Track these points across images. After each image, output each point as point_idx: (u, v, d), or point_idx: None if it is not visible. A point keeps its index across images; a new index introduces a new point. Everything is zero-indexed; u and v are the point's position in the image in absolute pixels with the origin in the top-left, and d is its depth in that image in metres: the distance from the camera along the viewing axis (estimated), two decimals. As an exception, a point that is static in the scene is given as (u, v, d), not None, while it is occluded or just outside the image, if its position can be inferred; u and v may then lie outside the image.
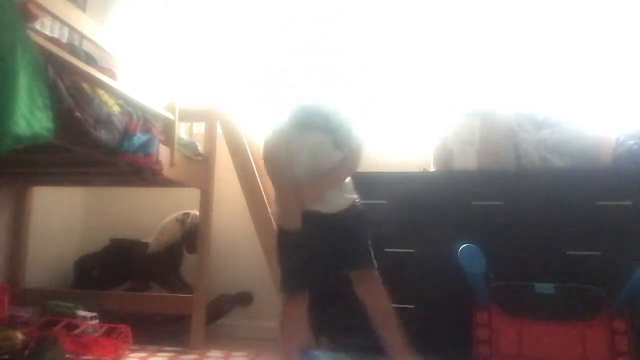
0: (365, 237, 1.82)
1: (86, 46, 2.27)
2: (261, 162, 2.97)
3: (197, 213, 2.84)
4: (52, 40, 1.81)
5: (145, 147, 2.10)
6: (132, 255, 2.98)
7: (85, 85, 1.79)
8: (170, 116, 2.43)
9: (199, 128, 3.07)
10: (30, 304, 2.50)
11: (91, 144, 1.83)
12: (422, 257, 2.34)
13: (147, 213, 3.20)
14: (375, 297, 1.80)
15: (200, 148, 2.80)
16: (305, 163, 1.72)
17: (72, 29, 1.95)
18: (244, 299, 2.94)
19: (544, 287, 2.14)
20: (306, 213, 1.69)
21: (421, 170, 2.64)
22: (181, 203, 3.05)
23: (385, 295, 1.80)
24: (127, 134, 2.00)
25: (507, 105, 2.64)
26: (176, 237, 2.93)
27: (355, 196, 1.83)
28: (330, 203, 1.74)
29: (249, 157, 2.86)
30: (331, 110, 1.77)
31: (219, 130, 2.93)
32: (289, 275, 1.75)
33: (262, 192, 2.79)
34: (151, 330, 2.68)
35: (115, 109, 1.96)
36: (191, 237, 2.87)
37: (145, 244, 2.97)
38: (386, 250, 2.37)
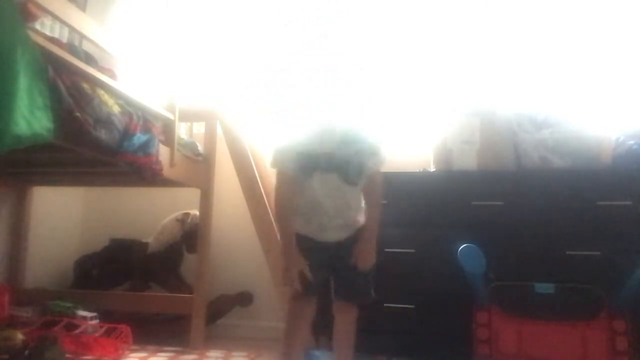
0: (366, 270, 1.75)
1: (86, 46, 2.27)
2: (261, 162, 2.98)
3: (197, 213, 2.84)
4: (52, 40, 1.81)
5: (145, 147, 2.10)
6: (132, 255, 2.98)
7: (85, 85, 1.79)
8: (170, 116, 2.43)
9: (199, 128, 3.07)
10: (30, 304, 2.51)
11: (91, 144, 1.83)
12: (422, 257, 2.34)
13: (147, 213, 3.20)
14: (346, 332, 1.80)
15: (200, 148, 2.80)
16: (318, 206, 1.69)
17: (72, 29, 1.94)
18: (244, 299, 2.95)
19: (544, 287, 2.14)
20: (310, 241, 1.69)
21: (421, 170, 2.64)
22: (181, 203, 3.05)
23: (354, 333, 1.80)
24: (127, 134, 2.00)
25: (507, 105, 2.64)
26: (176, 237, 2.93)
27: (361, 216, 1.76)
28: (339, 230, 1.73)
29: (249, 157, 2.86)
30: (333, 149, 1.64)
31: (219, 130, 2.93)
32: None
33: (262, 192, 2.79)
34: (151, 330, 2.68)
35: (115, 109, 1.96)
36: (191, 237, 2.87)
37: (145, 244, 2.97)
38: (386, 250, 2.37)
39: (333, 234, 1.72)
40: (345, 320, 1.79)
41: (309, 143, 1.65)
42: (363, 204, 1.77)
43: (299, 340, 1.76)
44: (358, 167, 1.66)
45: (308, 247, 1.68)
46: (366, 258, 1.69)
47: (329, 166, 1.64)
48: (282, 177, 1.69)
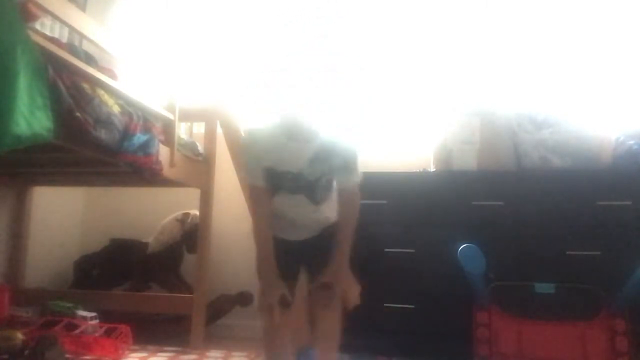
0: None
1: (86, 46, 2.27)
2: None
3: (197, 213, 2.84)
4: (52, 40, 1.81)
5: (145, 147, 2.10)
6: (132, 255, 2.98)
7: (85, 85, 1.79)
8: (170, 116, 2.43)
9: (199, 128, 3.07)
10: (30, 304, 2.51)
11: (91, 144, 1.83)
12: (422, 257, 2.34)
13: (147, 213, 3.20)
14: (331, 330, 1.59)
15: (200, 148, 2.80)
16: (292, 223, 1.60)
17: (72, 29, 1.95)
18: (244, 299, 2.94)
19: (544, 287, 2.15)
20: (280, 241, 1.59)
21: (421, 170, 2.64)
22: (181, 203, 3.05)
23: (340, 330, 1.60)
24: (127, 134, 2.00)
25: (507, 105, 2.64)
26: (176, 237, 2.93)
27: (333, 215, 1.62)
28: (306, 229, 1.63)
29: (249, 157, 2.86)
30: (301, 168, 1.51)
31: (219, 130, 2.92)
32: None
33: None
34: (151, 330, 2.68)
35: (115, 109, 1.96)
36: (191, 237, 2.87)
37: (145, 244, 2.97)
38: (386, 250, 2.37)
39: (302, 234, 1.64)
40: (331, 316, 1.59)
41: (276, 159, 1.51)
42: (333, 204, 1.63)
43: (283, 349, 1.65)
44: (327, 186, 1.55)
45: (279, 245, 1.58)
46: (350, 294, 1.52)
47: (296, 187, 1.53)
48: (255, 191, 1.57)
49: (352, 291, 1.54)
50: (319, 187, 1.55)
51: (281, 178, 1.53)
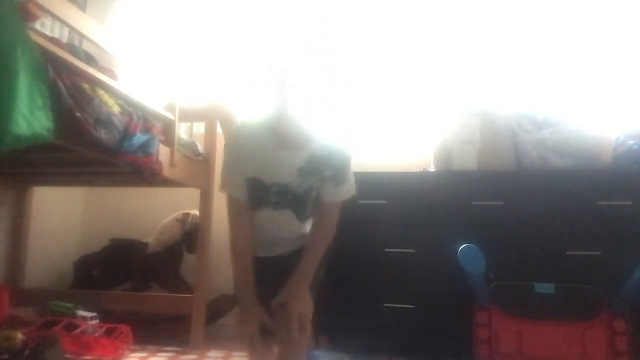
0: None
1: (86, 46, 2.27)
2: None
3: (197, 213, 2.84)
4: (52, 40, 1.81)
5: (145, 147, 2.10)
6: (132, 255, 2.98)
7: (85, 85, 1.79)
8: (170, 116, 2.43)
9: (199, 128, 3.07)
10: (30, 304, 2.51)
11: (91, 144, 1.83)
12: (422, 257, 2.34)
13: (147, 213, 3.20)
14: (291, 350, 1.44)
15: (200, 148, 2.80)
16: (272, 240, 1.49)
17: (72, 29, 1.94)
18: (244, 299, 2.94)
19: (544, 287, 2.15)
20: (258, 259, 1.46)
21: (421, 170, 2.64)
22: (181, 203, 3.05)
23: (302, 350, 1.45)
24: (127, 134, 2.00)
25: (507, 105, 2.64)
26: (176, 237, 2.93)
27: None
28: (287, 245, 1.50)
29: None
30: (289, 180, 1.38)
31: (219, 130, 2.93)
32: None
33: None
34: (151, 330, 2.68)
35: (115, 109, 1.96)
36: (191, 237, 2.87)
37: (145, 244, 2.97)
38: (386, 250, 2.38)
39: (282, 250, 1.51)
40: (292, 344, 1.43)
41: (261, 168, 1.37)
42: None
43: None
44: (316, 200, 1.41)
45: (257, 264, 1.45)
46: (302, 317, 1.35)
47: (282, 201, 1.39)
48: (234, 205, 1.42)
49: (303, 314, 1.36)
50: (309, 201, 1.41)
51: (266, 191, 1.39)
